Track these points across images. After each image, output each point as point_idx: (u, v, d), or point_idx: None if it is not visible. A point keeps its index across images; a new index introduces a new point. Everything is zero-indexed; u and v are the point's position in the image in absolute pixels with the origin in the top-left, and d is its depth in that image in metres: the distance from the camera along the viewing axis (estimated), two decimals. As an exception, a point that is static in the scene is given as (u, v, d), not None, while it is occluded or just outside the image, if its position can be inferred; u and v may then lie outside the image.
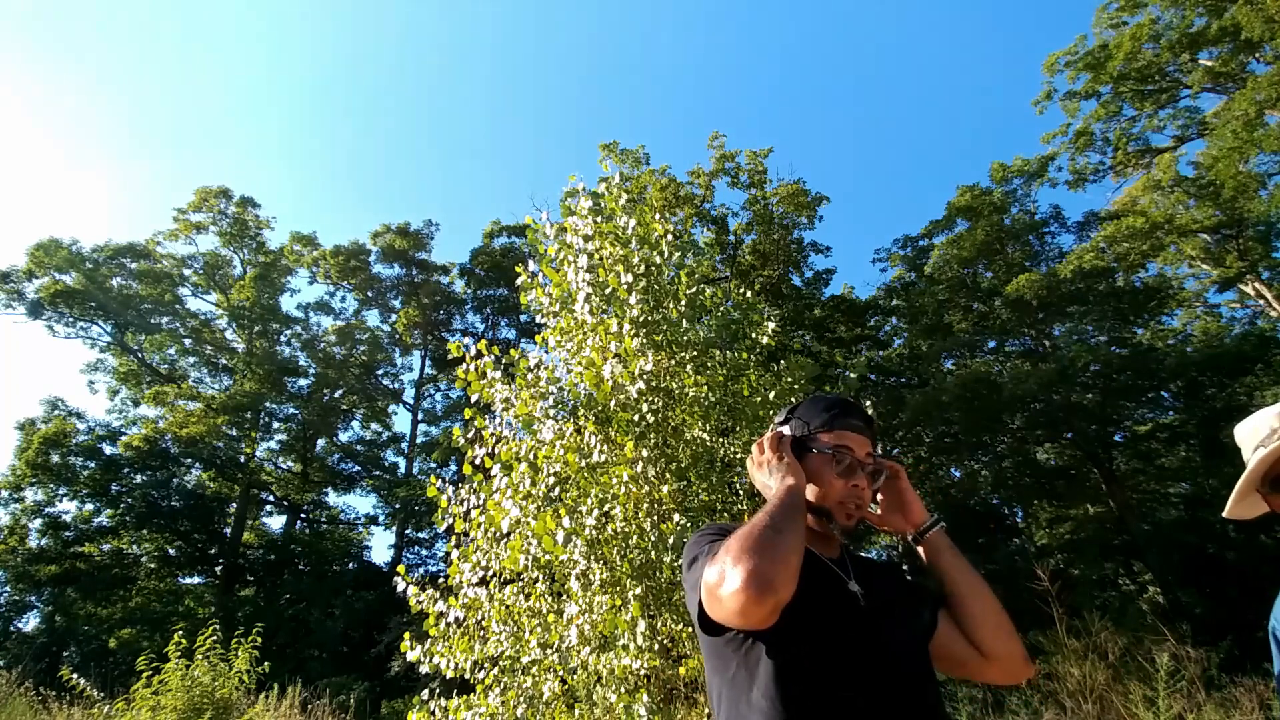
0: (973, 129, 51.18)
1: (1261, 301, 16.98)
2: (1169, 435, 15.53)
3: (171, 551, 19.91)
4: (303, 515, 23.77)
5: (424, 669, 3.64)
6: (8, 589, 17.52)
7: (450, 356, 4.21)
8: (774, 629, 0.94)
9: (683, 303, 4.03)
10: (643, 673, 3.03)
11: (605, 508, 3.33)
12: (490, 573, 3.63)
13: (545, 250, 4.34)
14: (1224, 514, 1.29)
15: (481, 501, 3.67)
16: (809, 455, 1.17)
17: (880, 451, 1.23)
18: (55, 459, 18.27)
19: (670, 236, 4.15)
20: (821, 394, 1.27)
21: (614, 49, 60.99)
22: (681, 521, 3.18)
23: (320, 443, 24.77)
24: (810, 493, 1.15)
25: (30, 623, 18.09)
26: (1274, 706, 6.06)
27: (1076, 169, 18.99)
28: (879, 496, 1.21)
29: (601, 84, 61.59)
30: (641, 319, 3.71)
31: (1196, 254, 17.72)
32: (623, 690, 3.06)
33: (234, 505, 21.35)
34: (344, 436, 25.71)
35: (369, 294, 25.88)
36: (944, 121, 53.30)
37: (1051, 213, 18.93)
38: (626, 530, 3.24)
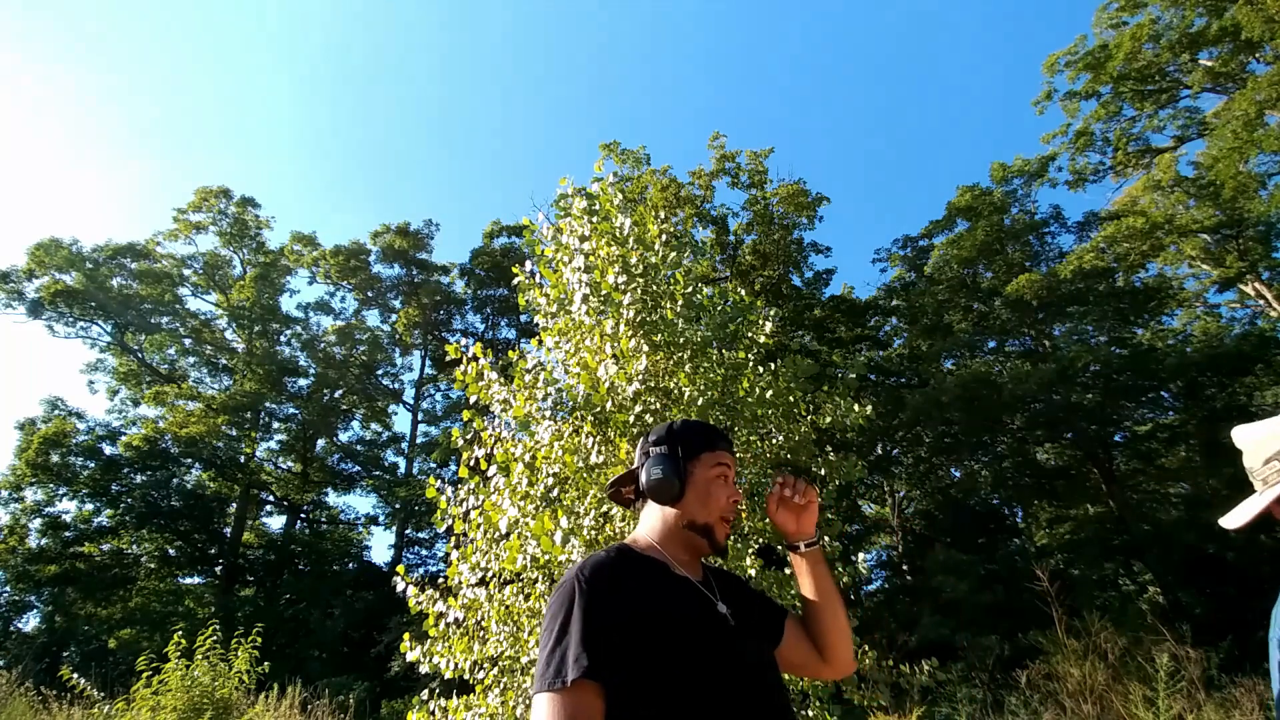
0: (973, 129, 51.19)
1: (1261, 301, 16.97)
2: (1169, 435, 15.52)
3: (171, 551, 19.91)
4: (303, 515, 23.77)
5: (424, 669, 3.64)
6: (8, 589, 17.53)
7: (449, 358, 4.21)
8: (655, 655, 1.01)
9: (679, 303, 4.02)
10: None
11: (604, 508, 3.33)
12: (490, 573, 3.63)
13: (542, 251, 4.33)
14: (1224, 523, 1.21)
15: (480, 502, 3.67)
16: (695, 471, 1.23)
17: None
18: (55, 459, 18.26)
19: (664, 236, 4.14)
20: (692, 420, 1.34)
21: (616, 49, 61.02)
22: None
23: (320, 443, 24.77)
24: (695, 509, 1.22)
25: (30, 623, 18.12)
26: (1274, 707, 6.06)
27: (1076, 169, 19.00)
28: (790, 497, 1.30)
29: (603, 84, 61.63)
30: (638, 319, 3.70)
31: (1196, 254, 17.71)
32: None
33: (234, 505, 21.35)
34: (344, 436, 25.73)
35: (369, 294, 25.88)
36: (944, 121, 53.31)
37: (1051, 213, 18.96)
38: (625, 530, 3.24)
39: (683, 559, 1.21)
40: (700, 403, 3.50)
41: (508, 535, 3.51)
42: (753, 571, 3.42)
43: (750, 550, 3.47)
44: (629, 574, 1.11)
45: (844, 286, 23.69)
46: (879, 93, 55.61)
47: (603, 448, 3.42)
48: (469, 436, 3.93)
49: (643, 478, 1.25)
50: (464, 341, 4.15)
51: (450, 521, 3.82)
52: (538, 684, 1.01)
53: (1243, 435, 1.22)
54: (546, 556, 3.24)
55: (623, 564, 1.13)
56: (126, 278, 22.52)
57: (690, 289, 4.15)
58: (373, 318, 26.50)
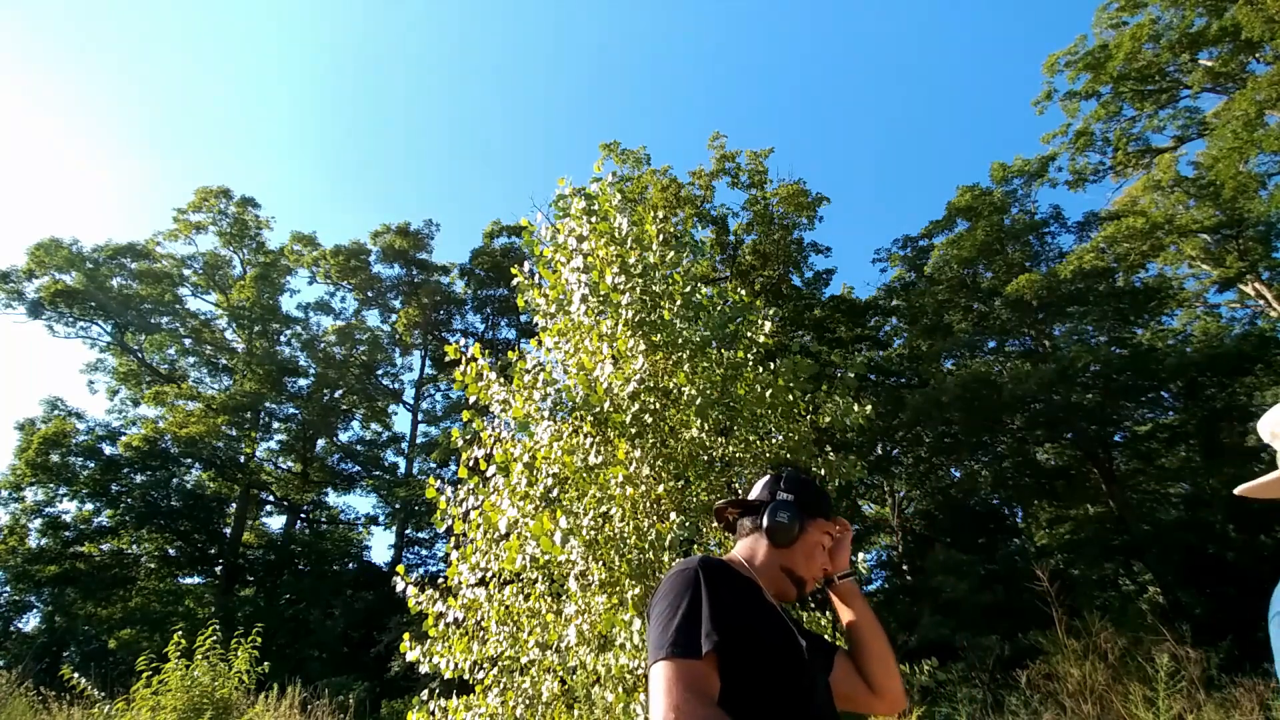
0: (973, 129, 51.18)
1: (1261, 301, 16.97)
2: (1169, 435, 15.51)
3: (171, 551, 19.90)
4: (303, 515, 23.76)
5: (424, 669, 3.65)
6: (8, 589, 17.50)
7: (448, 359, 4.21)
8: (747, 664, 1.07)
9: (678, 302, 4.02)
10: (641, 673, 3.03)
11: (603, 508, 3.33)
12: (489, 573, 3.63)
13: (541, 252, 4.33)
14: (1242, 490, 1.18)
15: (480, 503, 3.67)
16: (810, 530, 1.34)
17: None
18: (55, 459, 18.24)
19: (663, 236, 4.15)
20: (807, 476, 1.45)
21: (616, 50, 61.01)
22: (679, 520, 3.18)
23: (320, 443, 24.76)
24: (799, 560, 1.32)
25: (30, 623, 18.08)
26: (1274, 706, 6.06)
27: (1076, 169, 18.99)
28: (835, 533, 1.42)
29: (604, 84, 61.63)
30: (637, 320, 3.70)
31: (1196, 254, 17.70)
32: (621, 690, 3.06)
33: (234, 505, 21.34)
34: (344, 436, 25.72)
35: (369, 294, 25.88)
36: (944, 121, 53.32)
37: (1051, 213, 18.94)
38: (624, 530, 3.24)
39: (769, 591, 1.31)
40: (700, 403, 3.50)
41: (507, 535, 3.52)
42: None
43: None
44: (732, 583, 1.19)
45: (844, 286, 23.68)
46: (879, 92, 55.63)
47: (601, 448, 3.42)
48: (469, 437, 3.94)
49: (766, 518, 1.34)
50: (464, 342, 4.15)
51: (450, 521, 3.82)
52: (662, 652, 1.03)
53: (1266, 420, 1.21)
54: (546, 556, 3.24)
55: (729, 571, 1.21)
56: (126, 278, 22.52)
57: (689, 289, 4.15)
58: (373, 318, 26.54)
